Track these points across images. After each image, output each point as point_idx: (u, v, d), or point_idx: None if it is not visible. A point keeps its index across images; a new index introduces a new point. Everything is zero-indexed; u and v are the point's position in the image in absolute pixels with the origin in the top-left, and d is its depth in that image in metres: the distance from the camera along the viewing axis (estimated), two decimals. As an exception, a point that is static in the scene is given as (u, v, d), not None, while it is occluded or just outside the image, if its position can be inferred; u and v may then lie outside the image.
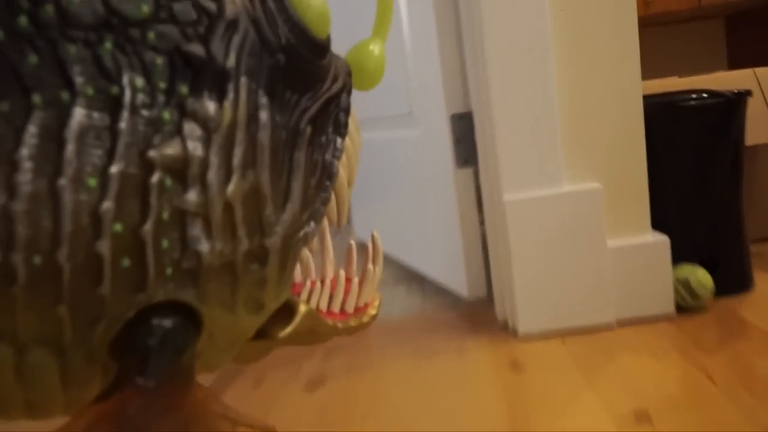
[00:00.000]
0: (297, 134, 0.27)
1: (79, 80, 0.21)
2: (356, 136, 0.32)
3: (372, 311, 0.33)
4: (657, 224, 0.67)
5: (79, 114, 0.21)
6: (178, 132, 0.23)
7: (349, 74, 0.31)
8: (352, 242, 0.34)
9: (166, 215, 0.23)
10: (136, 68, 0.22)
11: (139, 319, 0.23)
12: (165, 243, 0.23)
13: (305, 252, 0.32)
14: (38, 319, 0.21)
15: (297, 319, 0.28)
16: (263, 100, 0.25)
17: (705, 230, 0.67)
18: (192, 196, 0.23)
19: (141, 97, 0.22)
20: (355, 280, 0.32)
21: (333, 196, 0.31)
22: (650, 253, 0.61)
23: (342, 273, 0.31)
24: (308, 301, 0.30)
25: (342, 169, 0.31)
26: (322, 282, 0.32)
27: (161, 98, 0.23)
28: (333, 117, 0.29)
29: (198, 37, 0.24)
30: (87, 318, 0.22)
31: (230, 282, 0.25)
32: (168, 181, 0.23)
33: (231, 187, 0.24)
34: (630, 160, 0.62)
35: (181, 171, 0.23)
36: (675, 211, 0.66)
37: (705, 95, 0.66)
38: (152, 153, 0.22)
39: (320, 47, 0.27)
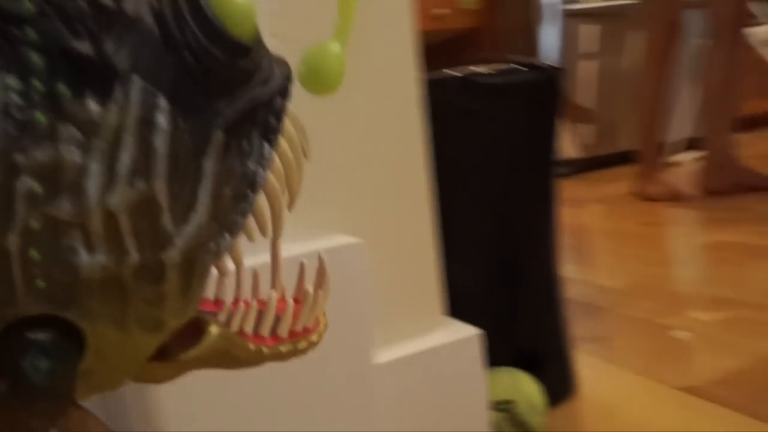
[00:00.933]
0: (206, 140, 0.25)
1: None
2: (298, 139, 0.30)
3: (313, 338, 0.30)
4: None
5: None
6: (52, 135, 0.21)
7: (287, 77, 0.29)
8: (304, 261, 0.32)
9: (35, 224, 0.21)
10: (10, 67, 0.21)
11: (11, 332, 0.22)
12: (34, 254, 0.21)
13: (233, 268, 0.30)
14: None
15: (205, 341, 0.26)
16: (162, 102, 0.23)
17: (519, 305, 0.50)
18: (65, 203, 0.21)
19: (13, 98, 0.21)
20: (291, 303, 0.30)
21: (267, 207, 0.29)
22: (450, 364, 0.39)
23: (273, 294, 0.29)
24: (229, 322, 0.28)
25: (274, 177, 0.28)
26: (259, 303, 0.30)
27: (36, 99, 0.21)
28: (261, 122, 0.27)
29: (88, 33, 0.22)
30: None
31: (118, 297, 0.23)
32: (37, 188, 0.21)
33: (113, 196, 0.22)
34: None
35: (52, 177, 0.21)
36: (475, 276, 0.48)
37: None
38: (19, 157, 0.21)
39: (240, 48, 0.25)
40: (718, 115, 1.95)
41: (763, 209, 1.45)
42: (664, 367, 0.65)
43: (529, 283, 0.59)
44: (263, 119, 0.27)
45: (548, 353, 0.56)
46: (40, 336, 0.22)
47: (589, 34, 2.72)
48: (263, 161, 0.27)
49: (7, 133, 0.21)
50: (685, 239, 1.39)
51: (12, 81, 0.21)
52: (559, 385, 0.57)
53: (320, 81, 0.31)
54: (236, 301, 0.30)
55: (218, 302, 0.30)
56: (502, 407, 0.39)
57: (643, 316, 0.85)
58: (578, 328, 0.78)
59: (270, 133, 0.27)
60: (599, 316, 0.88)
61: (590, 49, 2.71)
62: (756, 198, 1.67)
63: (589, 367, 0.68)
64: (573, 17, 2.66)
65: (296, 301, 0.31)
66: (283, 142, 0.29)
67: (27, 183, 0.21)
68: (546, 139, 0.60)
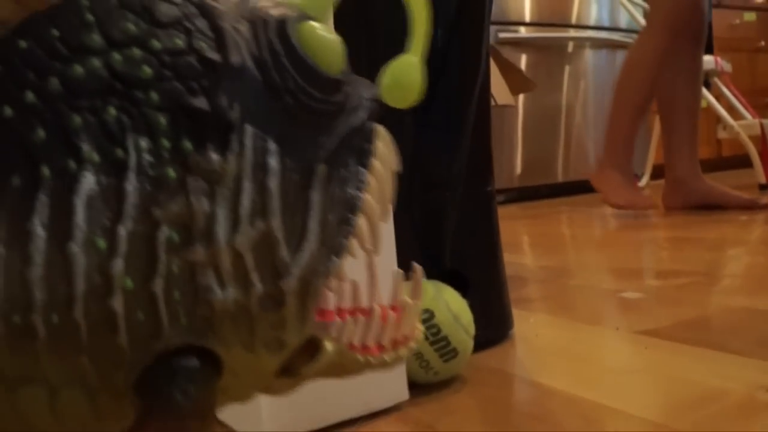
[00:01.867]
0: (311, 174, 0.27)
1: (85, 148, 0.23)
2: (389, 156, 0.31)
3: (412, 344, 0.33)
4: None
5: (86, 181, 0.23)
6: (183, 188, 0.24)
7: (375, 99, 0.30)
8: (400, 270, 0.34)
9: (175, 268, 0.24)
10: (140, 129, 0.23)
11: (160, 361, 0.25)
12: (176, 294, 0.24)
13: (340, 281, 0.32)
14: (63, 366, 0.23)
15: (322, 357, 0.29)
16: (271, 146, 0.25)
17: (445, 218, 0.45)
18: (199, 248, 0.24)
19: (146, 158, 0.23)
20: (392, 313, 0.32)
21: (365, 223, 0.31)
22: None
23: (377, 307, 0.31)
24: (339, 336, 0.31)
25: (371, 196, 0.30)
26: (361, 312, 0.32)
27: (166, 156, 0.24)
28: (356, 148, 0.29)
29: (202, 89, 0.24)
30: (108, 365, 0.24)
31: (247, 324, 0.26)
32: (174, 236, 0.24)
33: (239, 237, 0.24)
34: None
35: (187, 225, 0.24)
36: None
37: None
38: (157, 211, 0.23)
39: (332, 83, 0.27)
40: (677, 132, 1.85)
41: (716, 223, 1.38)
42: (618, 318, 0.64)
43: (458, 197, 0.54)
44: (358, 145, 0.29)
45: (478, 279, 0.50)
46: (186, 363, 0.25)
47: (517, 63, 2.65)
48: (361, 185, 0.29)
49: (145, 190, 0.23)
50: (639, 234, 1.36)
51: (143, 142, 0.23)
52: (491, 317, 0.51)
53: (403, 93, 0.32)
54: (340, 312, 0.32)
55: (323, 312, 0.33)
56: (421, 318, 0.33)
57: (591, 283, 0.84)
58: (519, 293, 0.77)
59: (364, 157, 0.29)
60: (544, 285, 0.86)
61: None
62: (713, 214, 1.60)
63: (531, 320, 0.66)
64: (501, 46, 2.58)
65: (393, 309, 0.33)
66: (375, 161, 0.31)
67: (166, 233, 0.23)
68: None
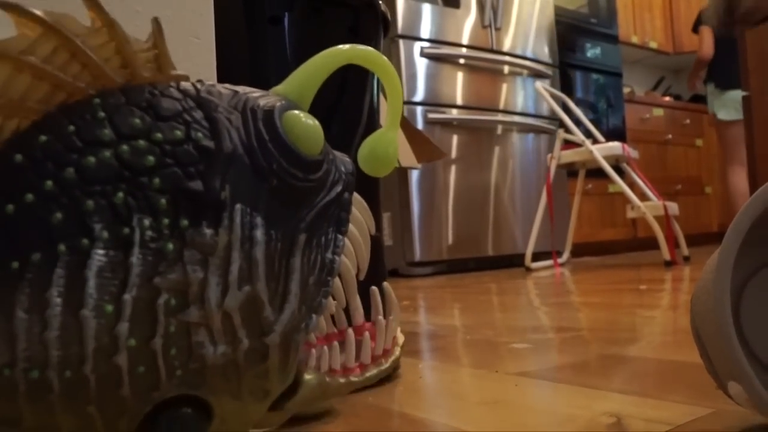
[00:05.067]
0: (293, 243, 0.30)
1: (96, 227, 0.27)
2: (363, 220, 0.35)
3: (393, 356, 0.36)
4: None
5: (97, 255, 0.26)
6: (180, 259, 0.27)
7: (351, 173, 0.34)
8: (375, 289, 0.38)
9: (172, 328, 0.27)
10: (144, 210, 0.27)
11: (158, 409, 0.28)
12: (173, 350, 0.28)
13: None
14: (74, 416, 0.27)
15: (303, 390, 0.32)
16: (257, 220, 0.29)
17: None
18: (194, 310, 0.28)
19: (148, 234, 0.27)
20: (367, 335, 0.36)
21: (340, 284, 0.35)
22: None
23: (350, 331, 0.35)
24: (318, 364, 0.34)
25: (347, 259, 0.34)
26: (335, 337, 0.36)
27: (165, 232, 0.27)
28: (333, 217, 0.33)
29: (198, 173, 0.28)
30: (113, 413, 0.27)
31: (235, 376, 0.29)
32: (172, 301, 0.27)
33: (228, 300, 0.28)
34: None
35: (183, 291, 0.27)
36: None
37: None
38: (158, 279, 0.27)
39: (313, 164, 0.31)
40: None
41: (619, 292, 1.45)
42: (500, 364, 0.67)
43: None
44: (335, 215, 0.33)
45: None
46: (181, 412, 0.28)
47: (449, 142, 2.76)
48: (337, 250, 0.33)
49: (147, 261, 0.27)
50: (551, 299, 1.42)
51: (146, 220, 0.27)
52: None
53: (380, 164, 0.36)
54: (318, 338, 0.36)
55: (306, 343, 0.36)
56: None
57: (487, 338, 0.88)
58: (415, 346, 0.82)
59: (341, 225, 0.33)
60: (443, 339, 0.90)
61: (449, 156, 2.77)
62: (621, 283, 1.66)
63: (420, 365, 0.69)
64: (432, 125, 2.70)
65: (372, 325, 0.37)
66: (351, 227, 0.34)
67: (165, 298, 0.27)
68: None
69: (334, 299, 0.35)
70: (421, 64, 2.68)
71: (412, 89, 2.64)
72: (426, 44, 2.69)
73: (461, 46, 2.82)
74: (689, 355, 0.66)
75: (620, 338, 0.80)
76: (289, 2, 0.66)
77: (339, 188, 0.33)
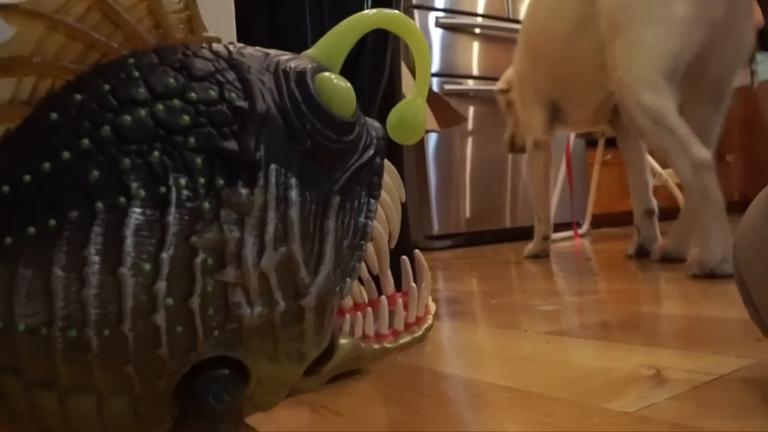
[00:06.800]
0: (327, 205, 0.30)
1: (133, 186, 0.26)
2: (394, 186, 0.35)
3: (426, 323, 0.36)
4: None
5: (134, 214, 0.26)
6: (216, 218, 0.27)
7: (383, 138, 0.34)
8: (405, 257, 0.37)
9: (209, 288, 0.27)
10: (180, 169, 0.27)
11: (196, 370, 0.28)
12: (210, 310, 0.27)
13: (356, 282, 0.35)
14: (112, 376, 0.27)
15: (338, 354, 0.32)
16: (292, 181, 0.29)
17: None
18: (230, 270, 0.27)
19: (185, 193, 0.27)
20: (401, 300, 0.36)
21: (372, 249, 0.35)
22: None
23: (383, 298, 0.35)
24: (353, 329, 0.34)
25: (379, 224, 0.34)
26: (369, 304, 0.35)
27: (202, 191, 0.27)
28: (365, 181, 0.32)
29: (232, 133, 0.28)
30: (151, 373, 0.27)
31: (271, 338, 0.29)
32: (209, 260, 0.27)
33: (264, 260, 0.28)
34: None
35: (220, 250, 0.27)
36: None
37: None
38: (195, 239, 0.27)
39: (346, 126, 0.31)
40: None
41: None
42: (529, 324, 0.66)
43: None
44: (367, 179, 0.32)
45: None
46: (219, 373, 0.28)
47: (465, 114, 2.71)
48: (370, 214, 0.32)
49: (184, 221, 0.27)
50: (572, 266, 1.41)
51: (182, 180, 0.27)
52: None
53: (408, 131, 0.36)
54: (355, 305, 0.36)
55: (340, 310, 0.36)
56: None
57: (513, 301, 0.87)
58: (441, 310, 0.82)
59: (374, 189, 0.33)
60: (469, 303, 0.89)
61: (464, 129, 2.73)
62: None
63: (447, 326, 0.68)
64: (449, 97, 2.64)
65: (405, 294, 0.37)
66: (383, 193, 0.34)
67: (202, 257, 0.27)
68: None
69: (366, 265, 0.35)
70: (436, 35, 2.64)
71: (428, 60, 2.62)
72: (441, 14, 2.65)
73: (476, 15, 2.77)
74: (722, 311, 0.65)
75: (646, 300, 0.79)
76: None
77: (371, 152, 0.33)
